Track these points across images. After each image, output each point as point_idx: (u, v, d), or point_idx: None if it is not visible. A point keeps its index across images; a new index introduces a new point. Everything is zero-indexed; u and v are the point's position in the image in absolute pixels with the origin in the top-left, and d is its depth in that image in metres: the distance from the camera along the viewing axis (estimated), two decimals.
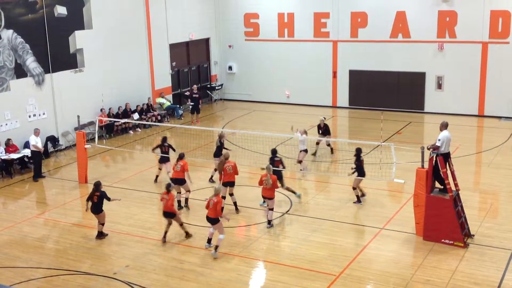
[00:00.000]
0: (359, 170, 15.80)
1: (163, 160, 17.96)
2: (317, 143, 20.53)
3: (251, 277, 12.42)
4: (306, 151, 18.51)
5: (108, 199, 14.34)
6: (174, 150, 18.15)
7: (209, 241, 13.57)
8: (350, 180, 17.87)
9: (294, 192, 16.26)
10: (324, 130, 20.57)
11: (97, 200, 14.12)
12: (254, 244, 13.78)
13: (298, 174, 18.48)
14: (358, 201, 15.96)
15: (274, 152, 16.43)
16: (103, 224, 14.31)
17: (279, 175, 15.55)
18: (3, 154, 19.35)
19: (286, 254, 13.24)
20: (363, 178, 15.87)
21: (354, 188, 16.02)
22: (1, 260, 13.31)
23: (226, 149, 17.53)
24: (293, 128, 19.01)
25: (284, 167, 16.13)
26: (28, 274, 12.53)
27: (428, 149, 13.56)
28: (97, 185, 14.18)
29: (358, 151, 15.84)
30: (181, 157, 15.99)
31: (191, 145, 21.86)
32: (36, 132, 19.02)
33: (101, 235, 14.35)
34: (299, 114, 27.35)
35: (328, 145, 20.85)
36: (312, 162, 19.89)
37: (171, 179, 16.08)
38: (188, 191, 16.04)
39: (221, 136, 17.88)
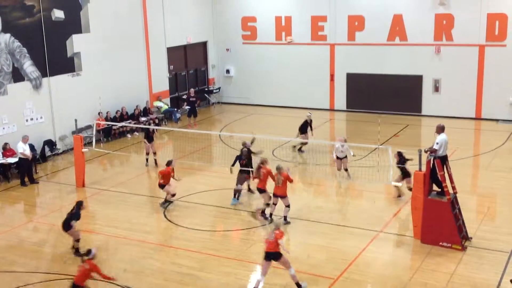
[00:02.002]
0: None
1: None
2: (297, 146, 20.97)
3: (249, 280, 12.40)
4: (346, 157, 17.98)
5: (76, 218, 13.45)
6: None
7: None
8: (348, 183, 17.89)
9: (236, 196, 16.52)
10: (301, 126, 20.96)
11: (67, 217, 13.48)
12: (252, 248, 13.76)
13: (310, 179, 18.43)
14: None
15: (248, 151, 16.59)
16: (78, 241, 13.53)
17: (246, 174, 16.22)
18: (0, 158, 19.30)
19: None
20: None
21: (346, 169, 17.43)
22: None
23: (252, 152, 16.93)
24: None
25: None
26: (26, 279, 12.49)
27: (426, 152, 13.57)
28: (78, 203, 13.66)
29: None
30: (167, 164, 16.31)
31: (189, 149, 21.84)
32: (24, 139, 18.90)
33: (77, 252, 13.37)
34: (297, 117, 27.31)
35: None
36: (309, 165, 19.87)
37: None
38: (171, 194, 16.37)
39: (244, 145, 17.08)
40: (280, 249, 11.36)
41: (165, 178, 16.14)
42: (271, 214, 15.05)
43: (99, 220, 15.80)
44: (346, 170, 17.95)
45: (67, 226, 13.35)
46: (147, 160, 20.34)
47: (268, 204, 15.22)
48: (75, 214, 13.46)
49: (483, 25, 24.93)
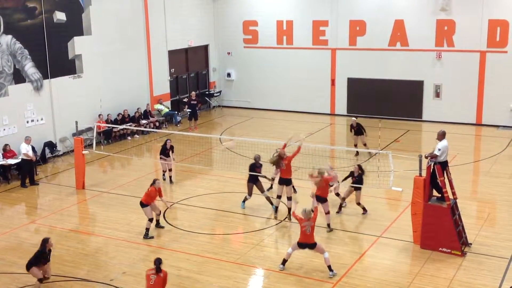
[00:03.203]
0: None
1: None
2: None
3: (248, 284, 12.39)
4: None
5: (39, 261, 11.97)
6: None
7: (284, 262, 12.78)
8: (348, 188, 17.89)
9: (271, 203, 16.10)
10: (356, 129, 20.95)
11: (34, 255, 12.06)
12: (251, 251, 13.75)
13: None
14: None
15: (257, 158, 16.36)
16: (40, 280, 11.99)
17: (256, 179, 16.02)
18: (0, 160, 19.31)
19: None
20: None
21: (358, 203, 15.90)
22: None
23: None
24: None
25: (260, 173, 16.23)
26: (25, 280, 12.47)
27: (426, 157, 13.57)
28: (43, 241, 12.04)
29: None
30: (153, 183, 14.91)
31: (189, 152, 21.84)
32: (27, 140, 18.95)
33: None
34: (297, 122, 27.38)
35: (365, 144, 21.07)
36: (309, 169, 19.85)
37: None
38: (149, 219, 14.75)
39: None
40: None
41: (147, 197, 14.64)
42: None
43: (99, 222, 15.79)
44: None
45: (28, 265, 11.93)
46: (164, 175, 18.89)
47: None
48: (38, 255, 11.92)
49: (484, 31, 24.96)
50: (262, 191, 16.17)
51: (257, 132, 25.22)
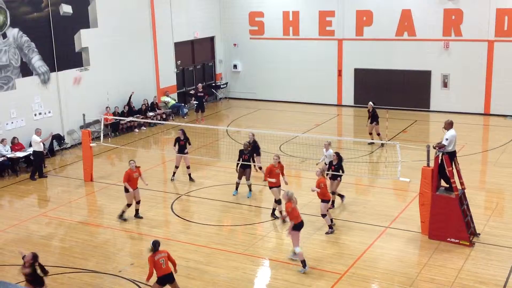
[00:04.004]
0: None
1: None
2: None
3: (256, 275, 12.42)
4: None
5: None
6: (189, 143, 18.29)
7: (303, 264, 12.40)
8: (356, 178, 17.87)
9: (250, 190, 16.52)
10: (372, 115, 20.89)
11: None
12: (260, 242, 13.78)
13: (304, 173, 18.39)
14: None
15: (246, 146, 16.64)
16: None
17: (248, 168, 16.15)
18: (9, 152, 19.41)
19: (291, 252, 13.20)
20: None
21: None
22: (7, 257, 13.36)
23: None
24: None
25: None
26: None
27: (434, 148, 13.52)
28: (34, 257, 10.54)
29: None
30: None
31: (196, 144, 21.85)
32: (38, 132, 19.02)
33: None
34: (304, 113, 27.33)
35: (378, 134, 21.03)
36: (316, 160, 19.84)
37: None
38: (127, 204, 15.20)
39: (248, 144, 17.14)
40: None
41: (126, 182, 14.89)
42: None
43: (107, 214, 15.85)
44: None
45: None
46: (174, 174, 18.37)
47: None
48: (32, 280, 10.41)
49: (492, 20, 24.77)
50: (247, 178, 16.42)
51: (263, 124, 25.19)
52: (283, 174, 14.95)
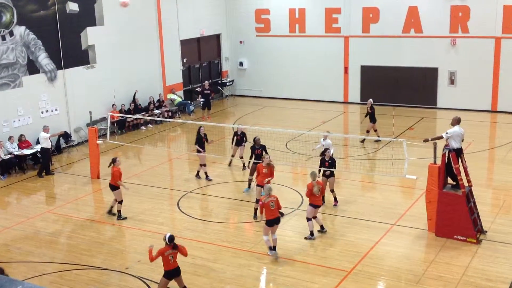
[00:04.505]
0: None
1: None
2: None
3: (262, 272, 12.42)
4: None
5: None
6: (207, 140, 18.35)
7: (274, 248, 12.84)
8: (362, 176, 17.83)
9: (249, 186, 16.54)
10: (371, 114, 21.09)
11: None
12: None
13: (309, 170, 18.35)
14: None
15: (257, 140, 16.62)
16: None
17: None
18: (16, 150, 19.49)
19: (297, 249, 13.23)
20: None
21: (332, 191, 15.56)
22: (14, 255, 13.43)
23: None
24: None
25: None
26: (41, 269, 12.63)
27: (424, 141, 13.86)
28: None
29: None
30: (112, 162, 15.22)
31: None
32: (46, 129, 19.08)
33: None
34: (310, 110, 27.30)
35: (375, 130, 21.15)
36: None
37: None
38: (118, 201, 15.19)
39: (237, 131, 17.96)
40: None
41: (115, 179, 14.99)
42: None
43: (114, 212, 15.87)
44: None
45: None
46: (198, 172, 18.21)
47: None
48: None
49: (500, 17, 24.64)
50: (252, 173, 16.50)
51: (269, 121, 25.18)
52: (272, 176, 14.74)
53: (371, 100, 21.54)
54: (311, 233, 13.66)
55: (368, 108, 21.25)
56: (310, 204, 13.60)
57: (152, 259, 10.73)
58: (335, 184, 15.65)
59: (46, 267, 12.75)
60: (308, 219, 13.68)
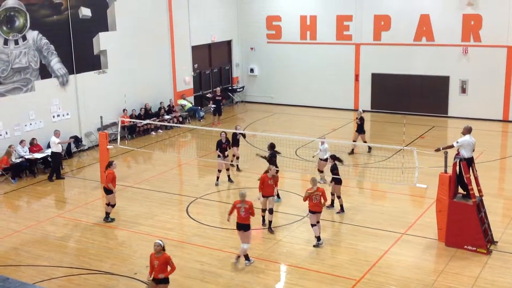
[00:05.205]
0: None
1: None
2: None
3: (271, 280, 12.38)
4: (327, 160, 16.82)
5: None
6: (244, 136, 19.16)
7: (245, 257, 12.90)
8: (372, 184, 17.76)
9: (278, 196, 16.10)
10: (359, 125, 20.76)
11: None
12: (274, 247, 13.74)
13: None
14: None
15: (272, 146, 16.57)
16: None
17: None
18: (27, 154, 19.60)
19: (305, 257, 13.18)
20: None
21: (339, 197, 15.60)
22: (24, 258, 13.48)
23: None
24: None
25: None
26: (50, 273, 12.66)
27: (436, 151, 13.59)
28: None
29: None
30: (108, 165, 15.33)
31: (212, 147, 21.85)
32: (57, 134, 19.19)
33: None
34: (321, 117, 27.25)
35: (365, 142, 20.94)
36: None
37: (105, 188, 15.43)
38: (110, 204, 15.34)
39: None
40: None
41: (110, 182, 15.06)
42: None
43: (123, 217, 15.92)
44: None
45: None
46: (218, 179, 18.13)
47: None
48: None
49: None
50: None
51: (279, 128, 25.17)
52: (276, 186, 14.77)
53: (361, 110, 21.21)
54: (318, 238, 13.67)
55: (358, 120, 20.78)
56: (310, 211, 13.67)
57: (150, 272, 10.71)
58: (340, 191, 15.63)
59: (54, 271, 12.78)
60: (313, 225, 13.70)
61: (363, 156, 20.97)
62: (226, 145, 17.96)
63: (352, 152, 20.84)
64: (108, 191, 15.27)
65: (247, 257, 12.85)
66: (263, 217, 14.85)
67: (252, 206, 12.73)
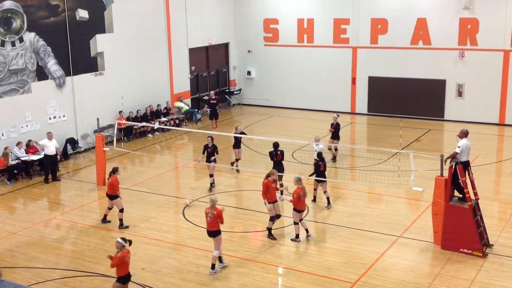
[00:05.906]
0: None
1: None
2: (329, 149, 20.25)
3: (266, 282, 12.37)
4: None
5: None
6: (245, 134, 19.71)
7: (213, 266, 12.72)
8: (369, 187, 17.78)
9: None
10: (334, 131, 20.19)
11: None
12: (270, 249, 13.74)
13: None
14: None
15: (276, 145, 16.93)
16: None
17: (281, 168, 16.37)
18: (23, 155, 19.56)
19: (301, 260, 13.18)
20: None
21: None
22: (19, 260, 13.45)
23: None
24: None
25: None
26: (45, 275, 12.63)
27: (445, 160, 13.38)
28: None
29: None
30: (113, 171, 15.22)
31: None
32: (49, 136, 19.14)
33: None
34: (317, 120, 27.28)
35: (336, 149, 20.37)
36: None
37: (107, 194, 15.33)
38: (119, 210, 15.21)
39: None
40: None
41: (113, 188, 15.04)
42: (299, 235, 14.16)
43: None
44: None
45: None
46: (212, 184, 18.08)
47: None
48: None
49: (508, 30, 24.60)
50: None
51: (276, 131, 25.17)
52: (277, 189, 14.75)
53: (336, 115, 20.54)
54: (297, 236, 14.03)
55: (332, 128, 20.22)
56: (294, 209, 13.84)
57: (113, 266, 10.69)
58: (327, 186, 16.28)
59: (50, 273, 12.75)
60: (295, 223, 13.95)
61: (359, 159, 20.98)
62: (211, 150, 17.76)
63: (334, 160, 20.37)
64: (113, 197, 15.12)
65: (220, 260, 12.81)
66: (269, 229, 14.41)
67: (222, 214, 12.50)
